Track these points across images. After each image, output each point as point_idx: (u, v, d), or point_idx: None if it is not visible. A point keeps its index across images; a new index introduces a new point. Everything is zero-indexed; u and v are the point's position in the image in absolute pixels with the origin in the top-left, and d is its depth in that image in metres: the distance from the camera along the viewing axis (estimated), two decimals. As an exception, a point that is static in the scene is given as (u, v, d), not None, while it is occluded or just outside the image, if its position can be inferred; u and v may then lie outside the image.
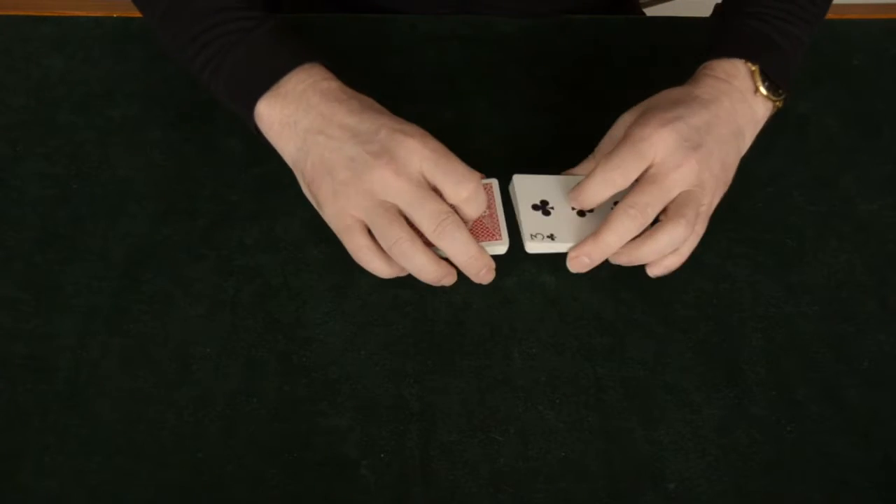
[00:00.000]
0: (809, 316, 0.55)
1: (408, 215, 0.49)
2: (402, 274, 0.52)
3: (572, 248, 0.52)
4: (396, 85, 0.65)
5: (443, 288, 0.54)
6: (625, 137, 0.51)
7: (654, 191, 0.50)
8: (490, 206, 0.54)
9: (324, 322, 0.54)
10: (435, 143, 0.50)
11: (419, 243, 0.49)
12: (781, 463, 0.49)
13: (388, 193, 0.49)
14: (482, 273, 0.51)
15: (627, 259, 0.52)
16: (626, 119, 0.55)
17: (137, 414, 0.50)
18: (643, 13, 0.90)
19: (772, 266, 0.57)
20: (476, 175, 0.50)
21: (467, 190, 0.49)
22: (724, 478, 0.49)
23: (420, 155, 0.49)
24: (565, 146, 0.59)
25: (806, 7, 0.57)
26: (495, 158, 0.57)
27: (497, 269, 0.53)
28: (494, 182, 0.55)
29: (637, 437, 0.50)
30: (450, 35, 0.68)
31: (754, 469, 0.49)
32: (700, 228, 0.53)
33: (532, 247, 0.54)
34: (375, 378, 0.52)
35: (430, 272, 0.50)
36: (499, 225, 0.54)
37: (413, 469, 0.48)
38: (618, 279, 0.56)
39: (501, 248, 0.54)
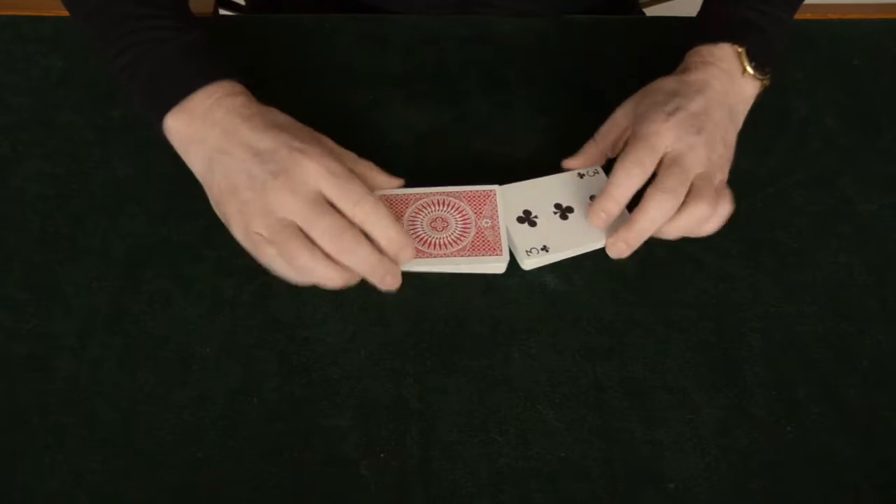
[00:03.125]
0: (809, 316, 0.55)
1: (306, 232, 0.49)
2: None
3: (611, 236, 0.53)
4: (396, 85, 0.65)
5: (442, 286, 0.54)
6: (633, 136, 0.54)
7: (677, 172, 0.52)
8: (493, 216, 0.54)
9: (324, 322, 0.54)
10: (333, 164, 0.49)
11: (319, 256, 0.49)
12: (781, 463, 0.49)
13: (285, 211, 0.49)
14: (387, 279, 0.50)
15: (660, 235, 0.54)
16: (626, 108, 0.58)
17: (137, 414, 0.50)
18: (643, 13, 0.90)
19: (772, 266, 0.57)
20: (370, 197, 0.49)
21: (363, 211, 0.49)
22: (724, 478, 0.49)
23: (316, 174, 0.49)
24: (565, 146, 0.59)
25: None
26: (495, 159, 0.57)
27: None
28: (497, 190, 0.55)
29: (637, 437, 0.50)
30: (450, 35, 0.68)
31: (754, 469, 0.49)
32: (726, 199, 0.55)
33: (529, 263, 0.54)
34: (375, 378, 0.52)
35: (334, 280, 0.50)
36: (500, 238, 0.53)
37: (413, 469, 0.48)
38: (618, 279, 0.56)
39: (500, 264, 0.54)
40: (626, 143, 0.55)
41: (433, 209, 0.54)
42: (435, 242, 0.53)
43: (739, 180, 0.61)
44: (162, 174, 0.60)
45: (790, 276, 0.57)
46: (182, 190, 0.59)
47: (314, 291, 0.55)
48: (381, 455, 0.49)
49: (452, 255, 0.52)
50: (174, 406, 0.50)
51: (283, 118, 0.53)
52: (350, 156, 0.54)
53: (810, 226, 0.59)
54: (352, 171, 0.50)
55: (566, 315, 0.54)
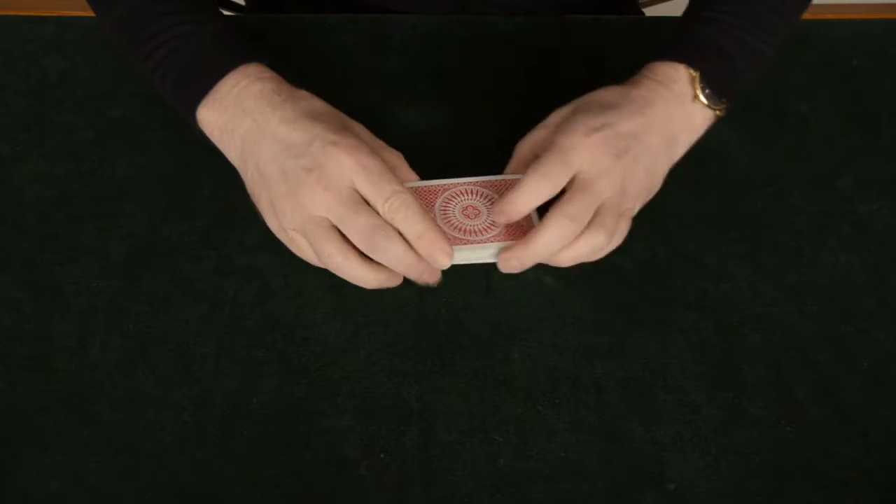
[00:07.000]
0: (809, 316, 0.55)
1: (340, 229, 0.49)
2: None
3: (505, 250, 0.51)
4: (396, 85, 0.65)
5: (441, 285, 0.54)
6: (551, 146, 0.50)
7: (584, 198, 0.49)
8: None
9: (324, 322, 0.54)
10: (366, 158, 0.48)
11: (352, 256, 0.49)
12: (781, 463, 0.49)
13: (318, 209, 0.48)
14: (424, 276, 0.50)
15: (549, 262, 0.52)
16: (560, 113, 0.55)
17: (137, 414, 0.50)
18: (643, 13, 0.90)
19: (772, 266, 0.57)
20: (404, 193, 0.48)
21: (392, 208, 0.48)
22: (724, 478, 0.49)
23: (351, 170, 0.48)
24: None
25: (766, 17, 0.56)
26: (495, 158, 0.57)
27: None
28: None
29: (637, 437, 0.50)
30: (450, 35, 0.68)
31: (754, 469, 0.49)
32: (624, 228, 0.52)
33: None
34: (375, 378, 0.52)
35: (370, 280, 0.50)
36: (532, 224, 0.53)
37: (413, 469, 0.48)
38: (618, 279, 0.56)
39: None
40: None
41: (464, 198, 0.55)
42: (469, 230, 0.53)
43: (739, 180, 0.61)
44: (162, 174, 0.60)
45: (790, 276, 0.57)
46: (182, 190, 0.59)
47: (314, 291, 0.55)
48: (381, 455, 0.49)
49: (488, 241, 0.52)
50: (174, 406, 0.50)
51: (315, 104, 0.52)
52: (379, 143, 0.54)
53: (810, 226, 0.59)
54: (385, 165, 0.49)
55: (566, 315, 0.54)
